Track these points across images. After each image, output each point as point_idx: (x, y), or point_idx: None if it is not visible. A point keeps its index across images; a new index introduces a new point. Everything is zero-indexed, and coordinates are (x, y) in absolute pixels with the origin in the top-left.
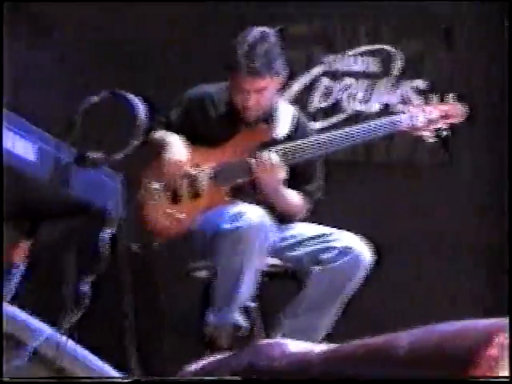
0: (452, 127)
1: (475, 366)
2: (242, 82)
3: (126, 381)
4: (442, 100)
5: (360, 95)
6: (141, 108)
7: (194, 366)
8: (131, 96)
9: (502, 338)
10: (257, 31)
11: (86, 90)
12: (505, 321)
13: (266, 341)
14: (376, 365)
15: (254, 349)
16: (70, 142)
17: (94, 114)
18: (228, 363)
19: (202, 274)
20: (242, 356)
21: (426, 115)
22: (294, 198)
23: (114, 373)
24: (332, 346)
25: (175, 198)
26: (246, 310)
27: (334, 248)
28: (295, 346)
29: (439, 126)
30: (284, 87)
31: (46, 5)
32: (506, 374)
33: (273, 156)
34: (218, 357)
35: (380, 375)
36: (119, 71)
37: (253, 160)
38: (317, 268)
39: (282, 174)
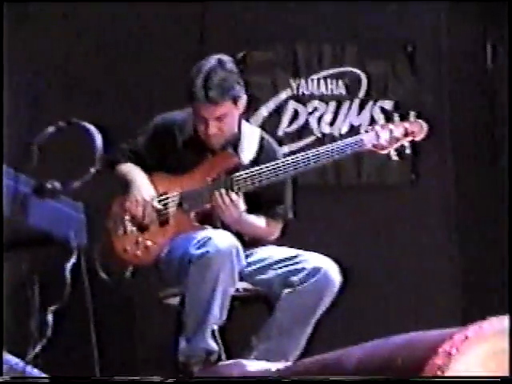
0: (415, 144)
1: (421, 376)
2: (201, 110)
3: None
4: (403, 118)
5: (328, 118)
6: (97, 136)
7: None
8: (88, 125)
9: (448, 347)
10: (213, 59)
11: (43, 120)
12: (452, 330)
13: (225, 362)
14: (326, 381)
15: (212, 370)
16: (28, 173)
17: (50, 143)
18: None
19: (175, 300)
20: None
21: (389, 133)
22: (259, 223)
23: None
24: (288, 364)
25: (143, 226)
26: (213, 334)
27: (303, 269)
28: (254, 366)
29: (402, 143)
30: (248, 111)
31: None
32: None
33: (232, 195)
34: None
35: None
36: (76, 101)
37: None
38: (287, 290)
39: (241, 208)
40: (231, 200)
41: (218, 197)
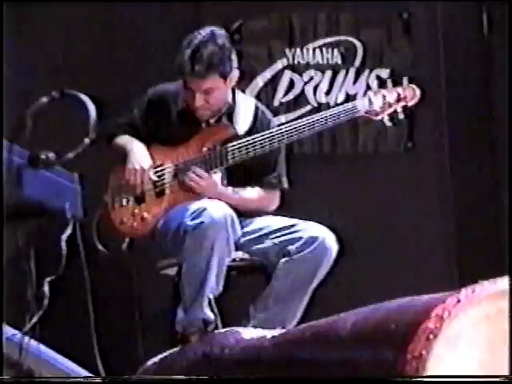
0: (411, 112)
1: (413, 340)
2: (188, 83)
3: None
4: (396, 84)
5: (324, 87)
6: (91, 107)
7: (154, 360)
8: (81, 95)
9: (440, 311)
10: (205, 32)
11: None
12: (445, 294)
13: (220, 330)
14: (320, 346)
15: (208, 339)
16: (22, 144)
17: (44, 114)
18: (184, 355)
19: (172, 271)
20: (197, 347)
21: (382, 99)
22: (249, 195)
23: (80, 370)
24: (283, 331)
25: (140, 198)
26: (210, 304)
27: (300, 238)
28: (249, 334)
29: (395, 108)
30: (243, 81)
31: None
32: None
33: (202, 173)
34: (175, 349)
35: (325, 356)
36: (70, 72)
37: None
38: (284, 259)
39: (216, 182)
40: (201, 178)
41: (188, 180)
